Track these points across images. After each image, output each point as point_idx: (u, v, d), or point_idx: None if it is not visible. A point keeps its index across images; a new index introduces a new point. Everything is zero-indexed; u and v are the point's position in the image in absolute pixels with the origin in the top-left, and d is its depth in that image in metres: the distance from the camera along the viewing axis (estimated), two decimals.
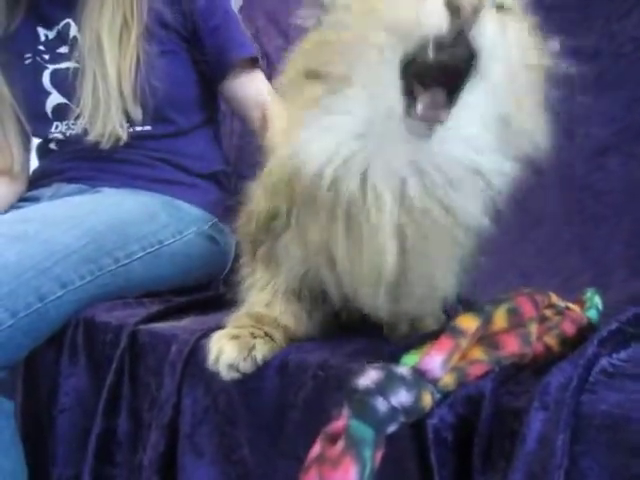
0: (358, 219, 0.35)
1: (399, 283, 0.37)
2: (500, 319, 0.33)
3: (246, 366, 0.38)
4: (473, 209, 0.36)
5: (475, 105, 0.34)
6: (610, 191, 0.80)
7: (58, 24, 0.94)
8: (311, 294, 0.47)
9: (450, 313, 0.56)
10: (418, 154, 0.34)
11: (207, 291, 0.86)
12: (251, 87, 0.94)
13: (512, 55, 0.35)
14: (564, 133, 0.87)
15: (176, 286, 0.83)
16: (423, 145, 0.33)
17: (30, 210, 0.74)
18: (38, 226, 0.69)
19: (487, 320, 0.33)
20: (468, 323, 0.31)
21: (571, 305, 0.42)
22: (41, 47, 0.95)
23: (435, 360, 0.30)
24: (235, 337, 0.39)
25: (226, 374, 0.38)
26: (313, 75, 0.35)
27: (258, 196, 0.47)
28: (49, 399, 0.64)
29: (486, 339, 0.32)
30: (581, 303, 0.47)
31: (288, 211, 0.41)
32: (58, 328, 0.67)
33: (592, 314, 0.45)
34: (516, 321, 0.33)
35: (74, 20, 0.91)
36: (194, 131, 0.98)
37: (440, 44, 0.31)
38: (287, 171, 0.38)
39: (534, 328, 0.34)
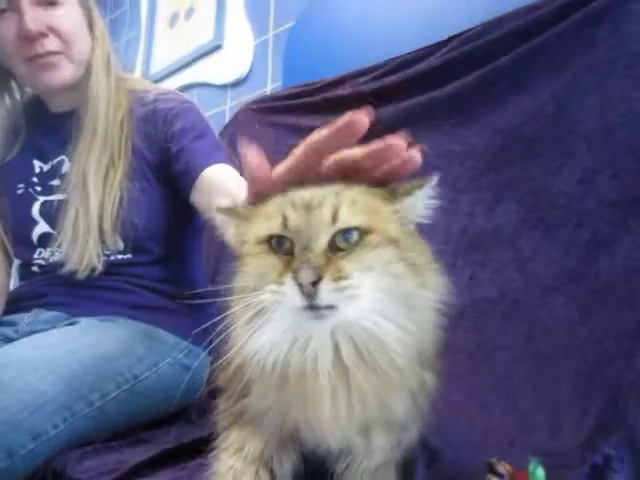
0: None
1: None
2: None
3: None
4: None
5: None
6: (555, 329, 0.86)
7: (53, 160, 1.00)
8: (282, 465, 0.51)
9: (415, 464, 0.59)
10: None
11: (180, 419, 0.87)
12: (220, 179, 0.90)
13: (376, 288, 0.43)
14: (512, 270, 0.94)
15: (149, 419, 0.84)
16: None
17: (6, 353, 0.75)
18: (13, 373, 0.70)
19: None
20: None
21: None
22: (34, 179, 1.00)
23: None
24: None
25: None
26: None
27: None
28: None
29: None
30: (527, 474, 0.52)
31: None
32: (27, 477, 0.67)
33: None
34: None
35: (68, 158, 0.97)
36: (174, 258, 1.03)
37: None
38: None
39: None
